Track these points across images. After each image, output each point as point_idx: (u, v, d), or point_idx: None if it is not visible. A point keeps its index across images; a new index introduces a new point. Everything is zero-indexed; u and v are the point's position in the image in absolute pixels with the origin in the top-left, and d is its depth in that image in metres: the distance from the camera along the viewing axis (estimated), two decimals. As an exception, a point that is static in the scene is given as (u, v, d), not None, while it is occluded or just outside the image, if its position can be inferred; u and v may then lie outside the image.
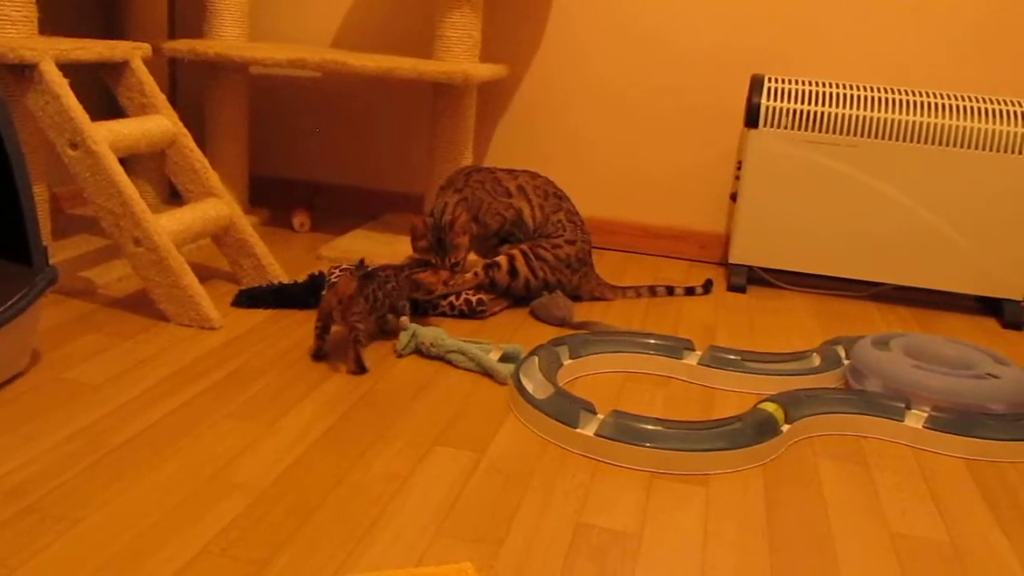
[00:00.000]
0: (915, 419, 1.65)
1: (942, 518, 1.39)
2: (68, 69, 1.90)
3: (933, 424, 1.63)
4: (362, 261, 1.83)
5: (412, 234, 2.07)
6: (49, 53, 1.86)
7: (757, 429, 1.52)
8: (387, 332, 1.90)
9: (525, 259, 2.16)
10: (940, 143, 2.37)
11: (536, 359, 1.73)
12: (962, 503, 1.44)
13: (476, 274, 2.13)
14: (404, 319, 1.87)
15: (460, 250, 2.05)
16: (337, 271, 2.11)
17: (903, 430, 1.64)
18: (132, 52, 2.08)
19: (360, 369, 1.72)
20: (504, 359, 1.79)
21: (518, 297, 2.19)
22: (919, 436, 1.63)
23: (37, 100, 1.85)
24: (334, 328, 1.79)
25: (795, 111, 2.43)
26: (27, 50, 1.81)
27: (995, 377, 1.74)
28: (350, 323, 1.73)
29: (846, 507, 1.39)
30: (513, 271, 2.15)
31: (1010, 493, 1.49)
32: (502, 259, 2.16)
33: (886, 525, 1.35)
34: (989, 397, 1.71)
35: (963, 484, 1.51)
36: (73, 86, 1.87)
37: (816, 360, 1.91)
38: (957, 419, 1.63)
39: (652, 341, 1.89)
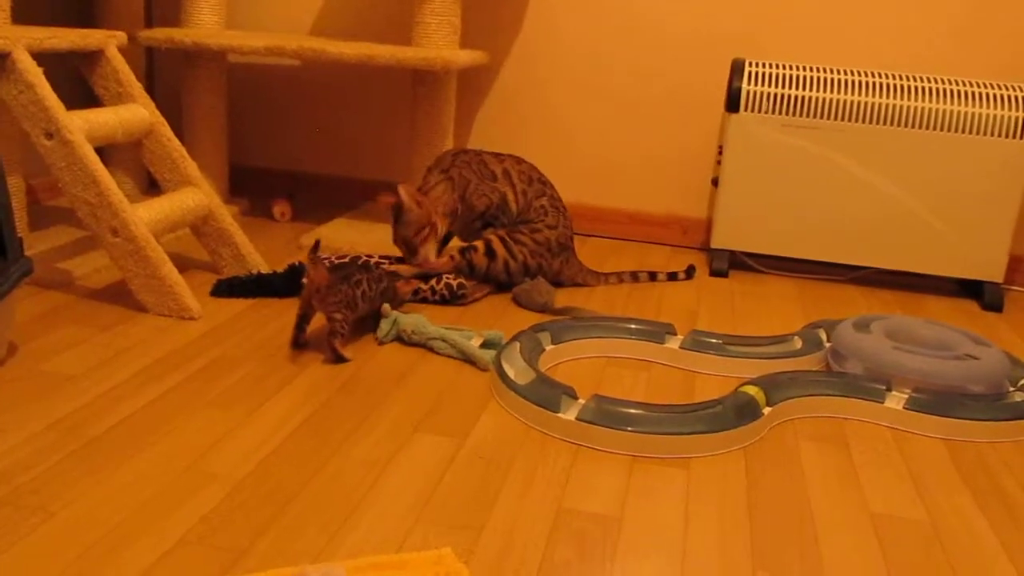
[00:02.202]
0: (895, 400, 1.66)
1: (921, 498, 1.39)
2: (43, 59, 1.88)
3: (913, 405, 1.64)
4: (317, 242, 1.77)
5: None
6: (22, 42, 1.83)
7: (738, 412, 1.52)
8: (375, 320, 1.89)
9: (502, 242, 2.16)
10: (921, 126, 2.38)
11: (517, 345, 1.72)
12: (941, 483, 1.45)
13: (452, 257, 2.13)
14: (386, 306, 1.86)
15: (412, 225, 2.07)
16: (330, 260, 2.09)
17: (884, 412, 1.65)
18: (107, 41, 2.06)
19: (338, 360, 1.71)
20: (485, 345, 1.79)
21: (500, 282, 2.19)
22: (899, 417, 1.64)
23: (10, 90, 1.82)
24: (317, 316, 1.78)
25: (776, 95, 2.43)
26: (-1, 39, 1.79)
27: (975, 358, 1.74)
28: (328, 312, 1.72)
29: (827, 488, 1.40)
30: (490, 252, 2.15)
31: (989, 473, 1.49)
32: (478, 242, 2.16)
33: (866, 506, 1.35)
34: (969, 378, 1.72)
35: (943, 464, 1.51)
36: (48, 76, 1.85)
37: (797, 343, 1.91)
38: (937, 400, 1.64)
39: (633, 326, 1.89)
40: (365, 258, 2.06)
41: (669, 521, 1.27)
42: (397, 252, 2.16)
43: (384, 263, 2.08)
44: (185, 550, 1.11)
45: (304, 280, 1.89)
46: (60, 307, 1.89)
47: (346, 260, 2.00)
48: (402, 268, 2.08)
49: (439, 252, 2.18)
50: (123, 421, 1.42)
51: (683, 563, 1.17)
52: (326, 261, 1.86)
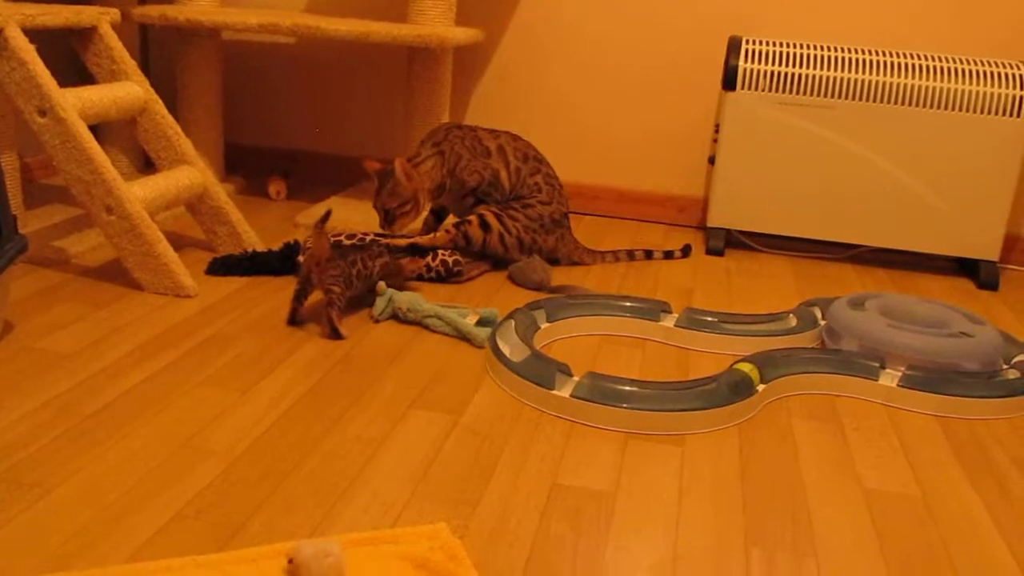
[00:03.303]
0: (889, 378, 1.66)
1: (914, 474, 1.40)
2: (36, 35, 1.87)
3: (907, 382, 1.64)
4: (327, 213, 1.77)
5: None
6: (14, 18, 1.82)
7: (732, 389, 1.53)
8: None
9: (496, 216, 2.16)
10: (918, 104, 2.37)
11: (513, 322, 1.72)
12: (934, 460, 1.45)
13: (448, 231, 2.12)
14: (380, 284, 1.86)
15: (397, 197, 2.08)
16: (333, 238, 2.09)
17: (877, 389, 1.66)
18: (100, 17, 2.05)
19: (335, 334, 1.72)
20: (481, 323, 1.79)
21: (497, 256, 2.18)
22: (893, 394, 1.65)
23: (3, 67, 1.81)
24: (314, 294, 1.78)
25: (773, 73, 2.42)
26: (-9, 15, 1.78)
27: (969, 336, 1.75)
28: (326, 286, 1.72)
29: (820, 465, 1.40)
30: (485, 225, 2.15)
31: (981, 449, 1.50)
32: (472, 216, 2.16)
33: (859, 482, 1.36)
34: (963, 355, 1.72)
35: (936, 441, 1.52)
36: (41, 53, 1.84)
37: (792, 321, 1.92)
38: (931, 377, 1.65)
39: (629, 304, 1.89)
40: (362, 236, 2.06)
41: (663, 497, 1.28)
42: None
43: (380, 239, 2.08)
44: (181, 525, 1.12)
45: (301, 257, 1.89)
46: (55, 285, 1.89)
47: (342, 240, 2.00)
48: (397, 241, 2.07)
49: (435, 229, 2.18)
50: (119, 398, 1.43)
51: (676, 539, 1.18)
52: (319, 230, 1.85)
